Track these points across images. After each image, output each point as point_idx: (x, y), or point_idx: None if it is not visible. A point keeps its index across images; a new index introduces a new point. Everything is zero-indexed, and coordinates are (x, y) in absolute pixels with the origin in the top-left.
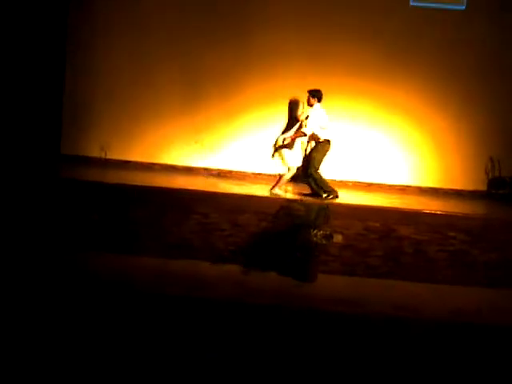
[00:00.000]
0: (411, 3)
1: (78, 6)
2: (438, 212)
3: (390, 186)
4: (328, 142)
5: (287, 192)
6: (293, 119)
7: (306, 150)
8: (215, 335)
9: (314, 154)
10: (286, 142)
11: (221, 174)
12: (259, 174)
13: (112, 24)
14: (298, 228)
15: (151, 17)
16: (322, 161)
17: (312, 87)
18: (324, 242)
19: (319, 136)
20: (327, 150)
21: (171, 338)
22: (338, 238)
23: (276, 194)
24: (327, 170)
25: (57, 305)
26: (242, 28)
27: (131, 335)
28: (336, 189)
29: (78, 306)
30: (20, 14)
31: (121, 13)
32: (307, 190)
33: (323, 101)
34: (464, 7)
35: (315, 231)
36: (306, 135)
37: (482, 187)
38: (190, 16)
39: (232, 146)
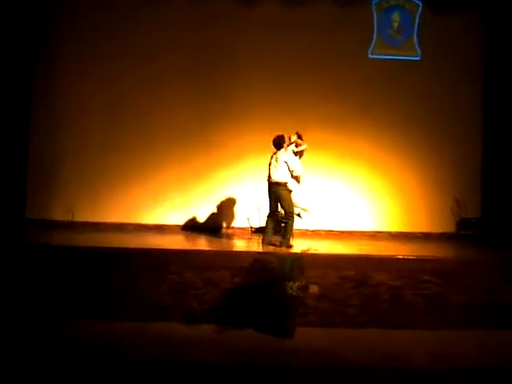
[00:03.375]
0: (369, 56)
1: (43, 63)
2: (411, 256)
3: (361, 232)
4: None
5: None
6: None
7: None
8: None
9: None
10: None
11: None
12: (231, 227)
13: (78, 84)
14: (273, 281)
15: (118, 77)
16: None
17: (270, 144)
18: (300, 294)
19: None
20: None
21: None
22: (313, 289)
23: (290, 246)
24: (302, 220)
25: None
26: (211, 88)
27: None
28: (309, 239)
29: (49, 379)
30: None
31: (88, 73)
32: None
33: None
34: (419, 58)
35: (290, 283)
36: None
37: (450, 229)
38: (157, 79)
39: (203, 202)
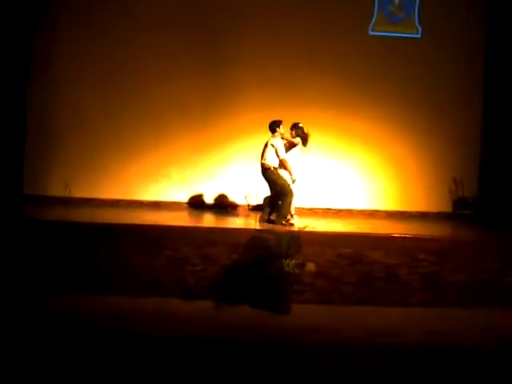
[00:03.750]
0: (370, 32)
1: (41, 38)
2: (407, 235)
3: (358, 211)
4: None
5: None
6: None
7: None
8: (190, 374)
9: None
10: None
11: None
12: (230, 205)
13: (76, 59)
14: (270, 258)
15: (116, 50)
16: None
17: (267, 123)
18: (296, 271)
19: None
20: None
21: (145, 380)
22: (310, 267)
23: (289, 224)
24: (299, 198)
25: (20, 351)
26: (212, 62)
27: (103, 379)
28: (307, 217)
29: (43, 352)
30: None
31: (85, 47)
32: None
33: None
34: (420, 35)
35: (287, 261)
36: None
37: (447, 208)
38: (156, 51)
39: (201, 179)
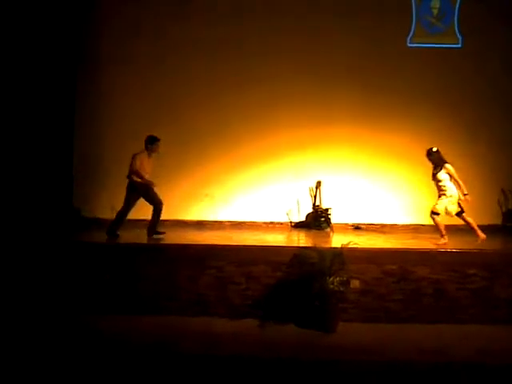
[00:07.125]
0: (408, 44)
1: (85, 71)
2: (454, 250)
3: (403, 226)
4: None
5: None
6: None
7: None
8: None
9: None
10: None
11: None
12: (271, 222)
13: (119, 87)
14: (314, 276)
15: (154, 78)
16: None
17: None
18: (341, 288)
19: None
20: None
21: None
22: (355, 284)
23: (439, 244)
24: (341, 214)
25: (70, 370)
26: (249, 80)
27: None
28: (349, 233)
29: (92, 372)
30: (29, 78)
31: (126, 78)
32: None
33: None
34: (460, 45)
35: (331, 278)
36: None
37: (496, 221)
38: (191, 78)
39: (242, 197)
